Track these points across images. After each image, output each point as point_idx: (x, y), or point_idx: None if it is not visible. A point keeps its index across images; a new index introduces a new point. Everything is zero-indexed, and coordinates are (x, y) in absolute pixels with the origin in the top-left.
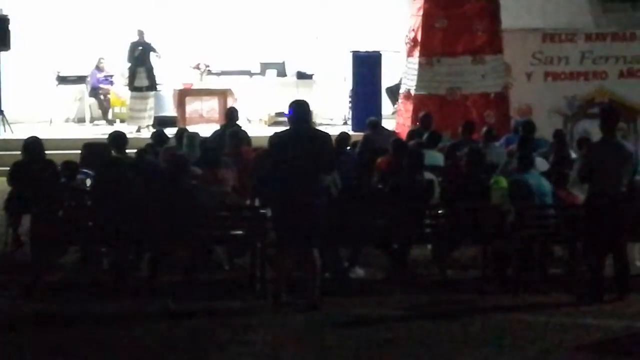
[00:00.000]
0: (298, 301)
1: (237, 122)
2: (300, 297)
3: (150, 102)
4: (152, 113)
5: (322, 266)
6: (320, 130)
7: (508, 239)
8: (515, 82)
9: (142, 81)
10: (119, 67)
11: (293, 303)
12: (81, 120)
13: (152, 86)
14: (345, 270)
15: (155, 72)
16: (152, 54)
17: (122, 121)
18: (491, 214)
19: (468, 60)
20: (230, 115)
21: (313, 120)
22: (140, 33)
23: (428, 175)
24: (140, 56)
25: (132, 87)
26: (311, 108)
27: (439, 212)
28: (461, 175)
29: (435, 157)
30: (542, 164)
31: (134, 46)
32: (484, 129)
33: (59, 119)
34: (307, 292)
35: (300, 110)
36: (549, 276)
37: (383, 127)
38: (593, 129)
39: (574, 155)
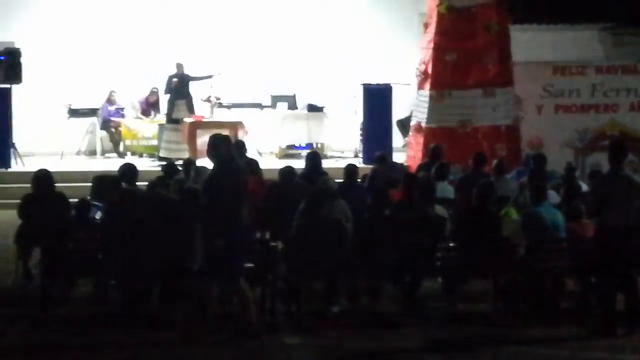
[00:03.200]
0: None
1: (247, 155)
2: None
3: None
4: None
5: (335, 297)
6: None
7: (519, 272)
8: (526, 115)
9: (180, 113)
10: (130, 100)
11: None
12: (92, 152)
13: None
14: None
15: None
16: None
17: (133, 154)
18: (502, 247)
19: (479, 93)
20: (237, 147)
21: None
22: (179, 66)
23: (439, 208)
24: (177, 88)
25: (169, 119)
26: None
27: (450, 245)
28: (472, 208)
29: (445, 189)
30: (553, 196)
31: (170, 78)
32: (495, 161)
33: (70, 152)
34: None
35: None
36: (560, 309)
37: (392, 160)
38: (604, 162)
39: (585, 188)
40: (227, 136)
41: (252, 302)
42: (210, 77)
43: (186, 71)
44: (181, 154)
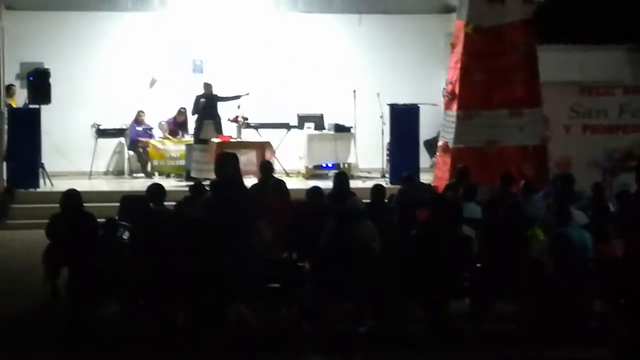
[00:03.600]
0: None
1: (274, 175)
2: None
3: None
4: None
5: (362, 317)
6: None
7: (547, 293)
8: (554, 135)
9: (208, 133)
10: (158, 120)
11: None
12: (120, 172)
13: None
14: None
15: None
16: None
17: (160, 174)
18: (529, 268)
19: (506, 114)
20: (265, 168)
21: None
22: (207, 86)
23: (466, 229)
24: (205, 108)
25: (197, 139)
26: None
27: (477, 265)
28: (499, 229)
29: (473, 210)
30: (581, 217)
31: (198, 99)
32: (523, 182)
33: (98, 172)
34: None
35: None
36: (588, 331)
37: (419, 181)
38: (632, 182)
39: (613, 208)
40: (234, 155)
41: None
42: (238, 97)
43: (214, 91)
44: (209, 174)
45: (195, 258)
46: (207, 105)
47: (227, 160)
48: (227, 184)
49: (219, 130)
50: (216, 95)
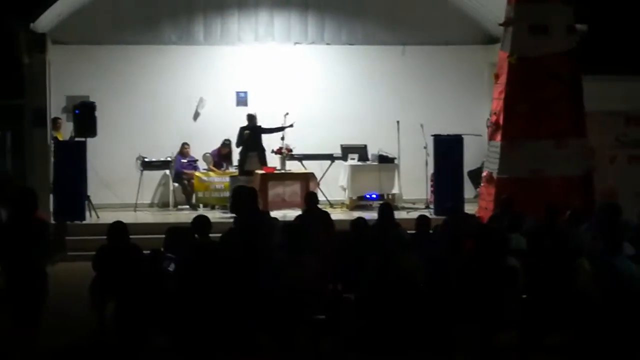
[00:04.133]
0: None
1: (318, 206)
2: None
3: None
4: None
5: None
6: None
7: (594, 324)
8: (599, 165)
9: (252, 165)
10: (202, 152)
11: None
12: (165, 205)
13: None
14: None
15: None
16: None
17: (205, 206)
18: (576, 299)
19: (551, 144)
20: (309, 200)
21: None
22: (251, 117)
23: (511, 259)
24: (249, 140)
25: (242, 170)
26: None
27: (523, 296)
28: (545, 260)
29: (518, 241)
30: (628, 247)
31: (242, 130)
32: (568, 212)
33: (144, 204)
34: None
35: None
36: None
37: (464, 211)
38: None
39: None
40: (252, 189)
41: None
42: (282, 129)
43: (258, 123)
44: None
45: (233, 290)
46: (251, 137)
47: (243, 196)
48: (244, 218)
49: (263, 161)
50: (260, 126)
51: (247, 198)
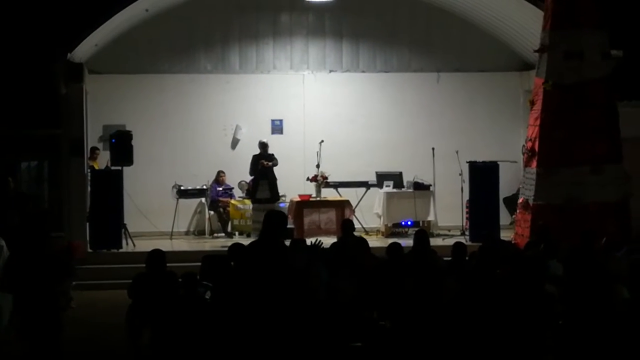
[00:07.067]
0: None
1: (354, 234)
2: None
3: None
4: None
5: None
6: None
7: (633, 353)
8: (636, 191)
9: (263, 193)
10: (237, 180)
11: None
12: (201, 232)
13: (274, 198)
14: None
15: (280, 183)
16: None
17: (241, 233)
18: (614, 326)
19: (587, 170)
20: (346, 227)
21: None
22: (262, 145)
23: (548, 286)
24: (262, 168)
25: (254, 199)
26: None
27: (560, 323)
28: (581, 286)
29: (555, 267)
30: None
31: (255, 159)
32: (604, 238)
33: (180, 232)
34: None
35: None
36: None
37: (500, 238)
38: None
39: None
40: (280, 214)
41: None
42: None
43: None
44: None
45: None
46: (262, 165)
47: (278, 221)
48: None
49: (273, 190)
50: (272, 154)
51: (279, 223)
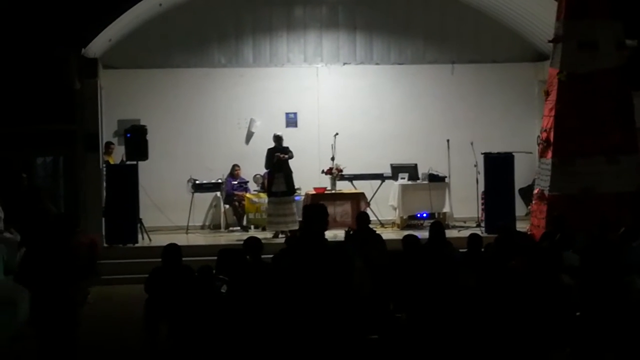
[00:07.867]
0: None
1: (369, 226)
2: None
3: (292, 207)
4: (294, 218)
5: None
6: None
7: None
8: None
9: (279, 186)
10: (252, 174)
11: None
12: (216, 226)
13: (290, 191)
14: None
15: (295, 176)
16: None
17: (256, 227)
18: (629, 316)
19: (602, 160)
20: (361, 220)
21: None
22: (277, 138)
23: (565, 277)
24: (277, 161)
25: (270, 192)
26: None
27: (577, 314)
28: (598, 277)
29: (571, 258)
30: None
31: (271, 152)
32: (623, 228)
33: (195, 226)
34: None
35: None
36: None
37: (516, 229)
38: None
39: None
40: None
41: None
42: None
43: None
44: (286, 227)
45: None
46: (279, 158)
47: (317, 213)
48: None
49: (289, 183)
50: (287, 147)
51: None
